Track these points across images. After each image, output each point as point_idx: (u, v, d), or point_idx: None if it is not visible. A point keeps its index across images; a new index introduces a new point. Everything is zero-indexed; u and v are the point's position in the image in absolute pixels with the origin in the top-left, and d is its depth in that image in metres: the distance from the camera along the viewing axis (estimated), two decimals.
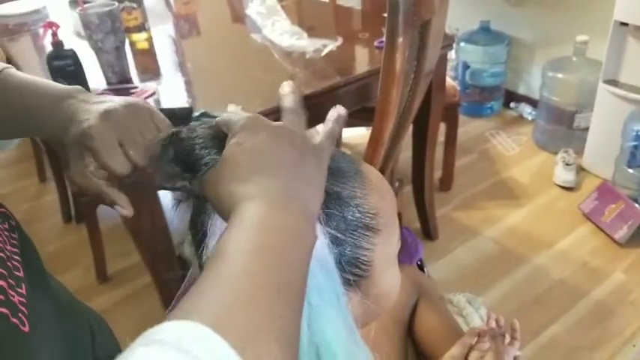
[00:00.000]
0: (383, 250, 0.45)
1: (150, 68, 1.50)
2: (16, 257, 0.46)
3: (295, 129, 0.41)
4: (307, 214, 0.36)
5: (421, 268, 1.24)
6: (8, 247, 0.46)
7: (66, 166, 0.54)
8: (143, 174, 0.52)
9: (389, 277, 0.47)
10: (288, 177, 0.37)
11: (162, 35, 1.73)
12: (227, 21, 1.95)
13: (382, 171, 1.30)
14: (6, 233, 0.48)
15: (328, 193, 0.42)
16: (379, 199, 0.45)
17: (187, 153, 0.39)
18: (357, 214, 0.43)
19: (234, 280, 0.30)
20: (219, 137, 0.40)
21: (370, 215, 0.44)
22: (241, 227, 0.33)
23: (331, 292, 0.40)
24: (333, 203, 0.42)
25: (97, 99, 0.53)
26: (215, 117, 0.41)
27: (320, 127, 0.43)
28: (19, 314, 0.42)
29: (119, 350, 0.27)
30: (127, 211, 0.54)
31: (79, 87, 0.55)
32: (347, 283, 0.43)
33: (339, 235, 0.42)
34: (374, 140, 1.18)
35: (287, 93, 0.45)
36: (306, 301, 0.38)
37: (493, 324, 0.90)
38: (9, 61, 1.63)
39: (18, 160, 2.55)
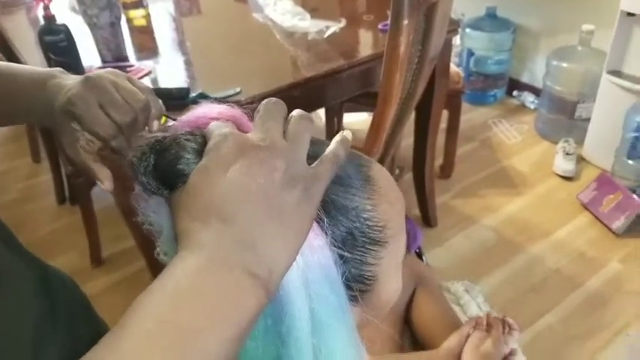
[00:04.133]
0: (388, 261, 0.42)
1: (147, 46, 1.47)
2: None
3: (301, 136, 0.34)
4: (260, 268, 0.30)
5: (419, 256, 1.23)
6: None
7: (61, 146, 0.56)
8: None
9: (392, 285, 0.44)
10: (253, 219, 0.31)
11: (161, 13, 1.69)
12: None
13: (383, 157, 1.28)
14: None
15: (335, 206, 0.38)
16: (389, 207, 0.41)
17: (167, 166, 0.34)
18: (366, 229, 0.39)
19: (128, 357, 0.27)
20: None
21: (378, 228, 0.40)
22: (164, 287, 0.29)
23: (338, 309, 0.37)
24: (340, 219, 0.38)
25: (78, 75, 0.56)
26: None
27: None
28: None
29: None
30: (107, 185, 0.58)
31: (60, 68, 0.58)
32: (350, 299, 0.39)
33: (344, 254, 0.38)
34: (375, 125, 1.16)
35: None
36: (314, 317, 0.35)
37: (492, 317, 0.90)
38: (2, 35, 1.59)
39: (11, 140, 2.51)
